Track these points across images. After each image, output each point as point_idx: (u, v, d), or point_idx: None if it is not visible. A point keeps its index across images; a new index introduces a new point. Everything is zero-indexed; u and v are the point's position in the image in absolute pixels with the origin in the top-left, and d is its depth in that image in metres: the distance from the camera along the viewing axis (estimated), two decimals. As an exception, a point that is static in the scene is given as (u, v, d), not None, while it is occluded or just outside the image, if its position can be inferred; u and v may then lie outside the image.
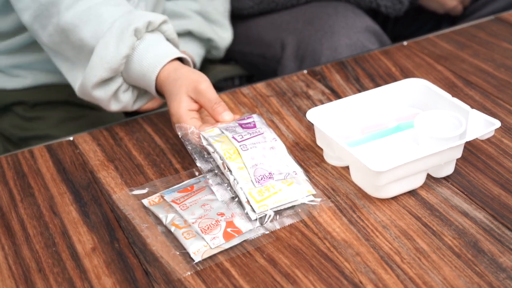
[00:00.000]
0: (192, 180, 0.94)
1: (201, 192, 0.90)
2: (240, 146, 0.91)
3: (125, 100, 1.06)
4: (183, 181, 0.94)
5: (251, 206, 0.87)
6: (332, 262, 0.81)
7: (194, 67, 1.35)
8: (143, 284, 0.80)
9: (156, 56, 1.01)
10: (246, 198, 0.87)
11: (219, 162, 0.91)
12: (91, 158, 1.01)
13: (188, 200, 0.89)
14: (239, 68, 1.58)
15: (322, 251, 0.83)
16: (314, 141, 1.01)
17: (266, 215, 0.86)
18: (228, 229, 0.84)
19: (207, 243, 0.83)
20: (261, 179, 0.89)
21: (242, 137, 0.92)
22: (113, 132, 1.07)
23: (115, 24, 1.00)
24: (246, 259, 0.82)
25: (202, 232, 0.84)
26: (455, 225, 0.85)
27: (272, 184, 0.88)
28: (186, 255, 0.83)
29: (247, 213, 0.86)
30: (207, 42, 1.39)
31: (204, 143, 0.93)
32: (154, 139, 1.04)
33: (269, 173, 0.89)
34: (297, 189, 0.89)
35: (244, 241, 0.84)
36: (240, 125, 0.95)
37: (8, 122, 1.28)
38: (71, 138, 1.06)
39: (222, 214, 0.86)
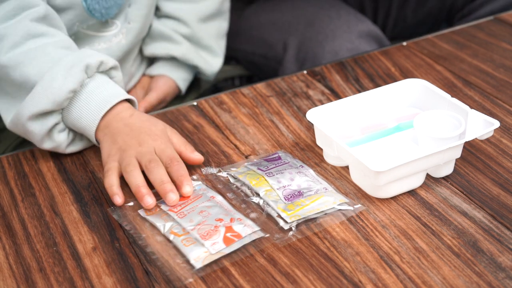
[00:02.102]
0: None
1: (198, 199, 0.90)
2: (265, 173, 0.92)
3: (59, 141, 0.99)
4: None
5: (282, 219, 0.86)
6: (332, 261, 0.82)
7: (180, 92, 1.33)
8: (144, 284, 0.80)
9: (106, 96, 0.98)
10: (277, 213, 0.87)
11: (248, 192, 0.91)
12: (92, 158, 1.01)
13: (185, 208, 0.88)
14: (239, 68, 1.58)
15: (322, 250, 0.83)
16: (314, 141, 1.01)
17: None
18: (228, 234, 0.83)
19: (207, 248, 0.82)
20: (291, 197, 0.89)
21: (268, 168, 0.94)
22: (113, 132, 1.07)
23: (65, 59, 0.97)
24: (246, 259, 0.82)
25: (202, 238, 0.83)
26: (454, 225, 0.86)
27: (302, 200, 0.88)
28: (187, 263, 0.82)
29: (282, 228, 0.86)
30: (193, 68, 1.34)
31: (232, 180, 0.94)
32: (155, 139, 1.05)
33: (298, 192, 0.90)
34: (328, 199, 0.89)
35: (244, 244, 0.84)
36: (266, 160, 0.96)
37: None
38: (71, 138, 1.06)
39: (220, 220, 0.86)
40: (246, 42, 1.53)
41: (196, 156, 0.96)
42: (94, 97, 0.98)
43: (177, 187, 0.90)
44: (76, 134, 1.02)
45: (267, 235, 0.84)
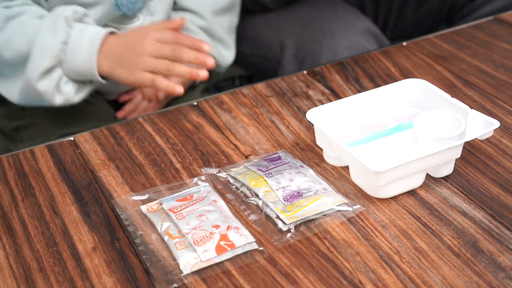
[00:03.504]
0: (193, 189, 0.92)
1: (200, 202, 0.89)
2: (265, 174, 0.92)
3: (67, 91, 1.12)
4: (187, 188, 0.93)
5: (281, 220, 0.86)
6: (332, 262, 0.82)
7: (195, 81, 1.36)
8: (144, 284, 0.80)
9: (92, 35, 1.10)
10: (276, 214, 0.87)
11: (247, 193, 0.91)
12: (92, 158, 1.01)
13: (185, 209, 0.88)
14: (239, 68, 1.58)
15: (322, 251, 0.83)
16: (314, 141, 1.01)
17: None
18: (222, 242, 0.83)
19: (198, 255, 0.81)
20: (290, 198, 0.89)
21: (267, 168, 0.93)
22: (113, 131, 1.07)
23: (46, 20, 1.09)
24: (246, 259, 0.82)
25: (195, 244, 0.82)
26: (454, 225, 0.86)
27: (301, 201, 0.88)
28: (175, 266, 0.81)
29: (280, 229, 0.86)
30: None
31: (232, 181, 0.94)
32: (155, 139, 1.05)
33: (298, 192, 0.89)
34: (328, 200, 0.88)
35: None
36: (265, 160, 0.96)
37: (1, 114, 1.28)
38: (71, 138, 1.06)
39: (217, 227, 0.85)
40: (245, 44, 1.53)
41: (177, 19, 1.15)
42: (82, 40, 1.10)
43: (197, 49, 1.07)
44: (80, 83, 1.14)
45: (261, 248, 0.84)
